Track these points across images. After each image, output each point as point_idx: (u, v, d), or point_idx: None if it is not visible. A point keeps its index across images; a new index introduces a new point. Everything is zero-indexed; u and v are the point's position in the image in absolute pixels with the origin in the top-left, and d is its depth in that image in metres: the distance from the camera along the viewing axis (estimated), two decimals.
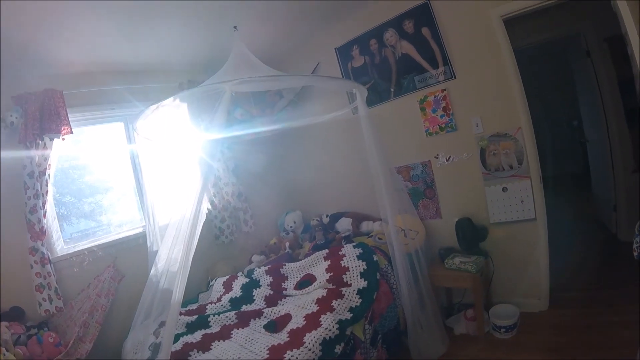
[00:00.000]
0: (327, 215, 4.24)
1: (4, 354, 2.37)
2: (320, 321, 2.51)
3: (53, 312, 2.97)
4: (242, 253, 4.18)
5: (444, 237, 3.58)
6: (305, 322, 2.58)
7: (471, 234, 3.29)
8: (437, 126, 3.46)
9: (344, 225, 3.99)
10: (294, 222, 4.43)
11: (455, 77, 3.32)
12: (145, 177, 3.26)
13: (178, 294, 2.11)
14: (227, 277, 3.58)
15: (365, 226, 3.93)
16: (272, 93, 4.00)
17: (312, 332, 2.41)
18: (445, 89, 3.37)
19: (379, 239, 3.45)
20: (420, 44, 3.42)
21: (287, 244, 3.97)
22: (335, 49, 3.95)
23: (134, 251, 3.46)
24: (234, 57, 2.74)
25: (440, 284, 3.34)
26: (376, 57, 3.71)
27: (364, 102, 2.88)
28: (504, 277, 3.36)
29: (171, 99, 2.37)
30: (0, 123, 2.86)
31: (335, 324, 2.48)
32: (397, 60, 3.59)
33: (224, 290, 3.43)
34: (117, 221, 3.74)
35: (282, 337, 2.51)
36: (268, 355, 2.31)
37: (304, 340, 2.34)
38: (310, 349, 2.28)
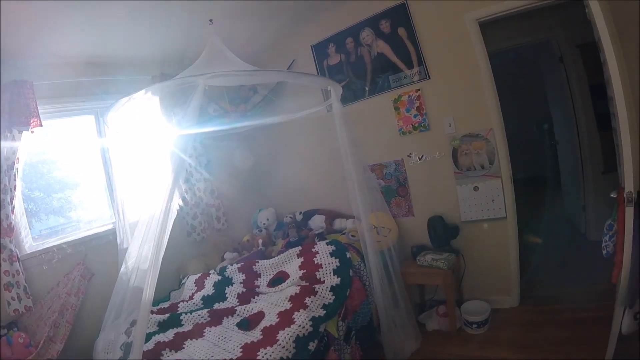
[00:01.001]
0: (300, 213, 4.25)
1: None
2: (294, 318, 2.52)
3: (22, 311, 2.86)
4: (215, 250, 4.12)
5: (416, 235, 3.63)
6: (278, 319, 2.57)
7: (443, 231, 3.34)
8: (411, 125, 3.50)
9: (317, 222, 4.01)
10: (267, 219, 4.39)
11: (429, 78, 3.37)
12: (116, 172, 3.21)
13: (149, 292, 2.07)
14: (199, 274, 3.54)
15: (339, 223, 3.95)
16: (246, 88, 3.97)
17: (286, 329, 2.41)
18: (419, 89, 3.41)
19: (352, 236, 3.47)
20: (396, 44, 3.45)
21: (260, 241, 3.95)
22: (311, 46, 3.95)
23: (104, 248, 3.38)
24: (208, 51, 2.68)
25: (412, 281, 3.38)
26: (352, 56, 3.72)
27: (338, 99, 2.89)
28: (475, 274, 3.44)
29: (143, 91, 2.33)
30: None
31: (309, 321, 2.49)
32: (372, 59, 3.61)
33: (196, 288, 3.39)
34: (87, 218, 3.63)
35: (255, 335, 2.49)
36: (241, 354, 2.30)
37: (277, 338, 2.34)
38: (283, 347, 2.28)
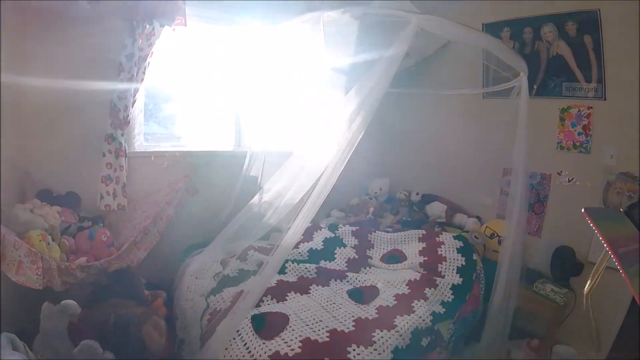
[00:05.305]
0: (417, 193, 3.97)
1: (48, 242, 2.12)
2: (413, 307, 2.32)
3: (114, 209, 2.73)
4: (323, 204, 3.94)
5: (533, 258, 3.31)
6: (396, 302, 2.38)
7: (570, 265, 3.04)
8: (571, 142, 3.16)
9: (436, 210, 3.74)
10: (380, 189, 4.19)
11: (605, 99, 3.01)
12: (259, 97, 3.00)
13: (291, 238, 1.98)
14: (309, 224, 3.34)
15: (459, 219, 3.67)
16: None
17: (405, 316, 2.21)
18: (591, 107, 3.06)
19: (476, 237, 3.23)
20: (579, 50, 3.10)
21: (371, 210, 3.79)
22: (483, 24, 3.61)
23: (217, 168, 3.22)
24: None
25: (520, 304, 3.09)
26: (527, 48, 3.37)
27: (527, 88, 2.65)
28: (575, 318, 3.11)
29: (340, 10, 2.11)
30: None
31: (430, 315, 2.30)
32: (549, 59, 3.27)
33: (302, 237, 3.14)
34: (209, 134, 3.47)
35: (369, 311, 2.28)
36: (354, 328, 2.09)
37: (395, 323, 2.13)
38: (401, 335, 2.07)
